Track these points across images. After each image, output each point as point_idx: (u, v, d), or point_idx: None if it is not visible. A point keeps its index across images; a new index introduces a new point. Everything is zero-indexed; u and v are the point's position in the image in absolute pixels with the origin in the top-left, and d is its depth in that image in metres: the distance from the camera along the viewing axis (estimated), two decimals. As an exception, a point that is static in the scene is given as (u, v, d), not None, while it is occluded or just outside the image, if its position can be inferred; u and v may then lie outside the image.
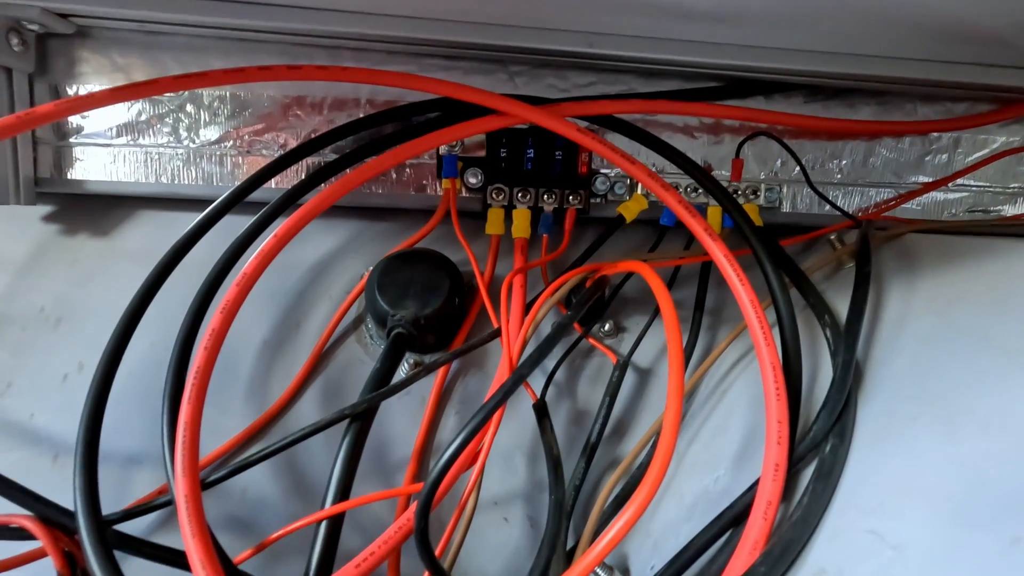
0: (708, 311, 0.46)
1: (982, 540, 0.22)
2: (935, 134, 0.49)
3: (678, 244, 0.47)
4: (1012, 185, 0.51)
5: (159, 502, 0.35)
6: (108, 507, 0.33)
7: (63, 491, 0.33)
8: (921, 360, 0.31)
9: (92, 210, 0.47)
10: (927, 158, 0.50)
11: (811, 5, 0.37)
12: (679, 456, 0.40)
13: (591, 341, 0.44)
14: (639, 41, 0.41)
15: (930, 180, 0.49)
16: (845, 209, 0.48)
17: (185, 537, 0.29)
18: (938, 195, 0.50)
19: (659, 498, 0.39)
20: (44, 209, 0.47)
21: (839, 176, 0.49)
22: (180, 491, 0.30)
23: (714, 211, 0.46)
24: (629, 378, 0.44)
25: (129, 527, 0.34)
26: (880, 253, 0.42)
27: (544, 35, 0.41)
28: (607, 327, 0.46)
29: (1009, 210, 0.51)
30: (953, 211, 0.51)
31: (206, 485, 0.35)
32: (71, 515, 0.31)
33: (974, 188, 0.50)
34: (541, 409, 0.40)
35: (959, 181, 0.50)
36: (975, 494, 0.24)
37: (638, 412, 0.44)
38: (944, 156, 0.50)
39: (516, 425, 0.42)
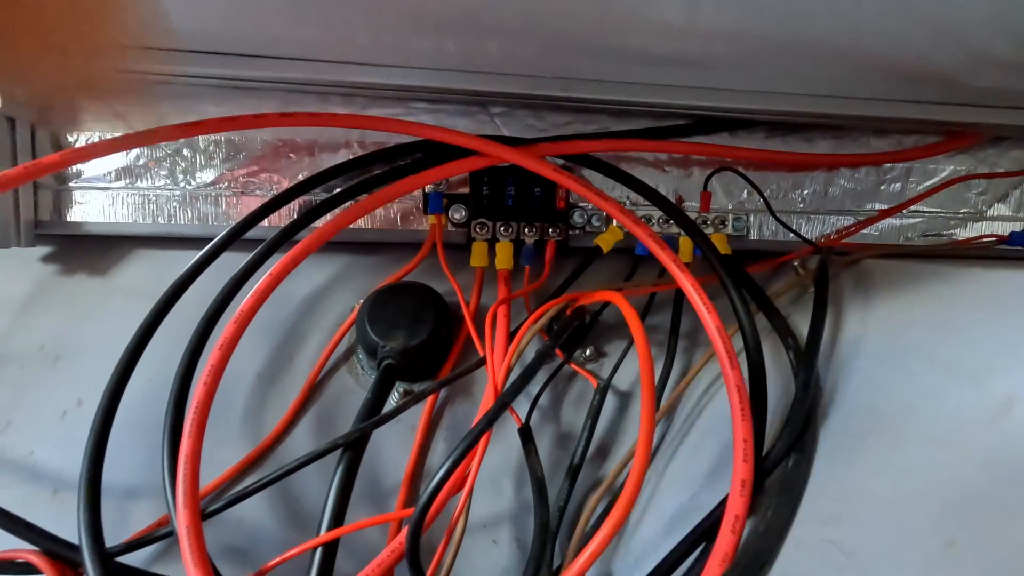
0: (683, 335, 0.48)
1: (923, 543, 0.24)
2: (888, 165, 0.52)
3: (653, 272, 0.50)
4: (962, 210, 0.54)
5: (159, 534, 0.36)
6: (108, 540, 0.34)
7: (64, 525, 0.34)
8: (874, 379, 0.34)
9: (90, 250, 0.48)
10: (882, 187, 0.53)
11: (767, 50, 0.41)
12: (659, 475, 0.42)
13: (573, 366, 0.47)
14: (611, 85, 0.44)
15: (886, 207, 0.53)
16: (808, 237, 0.51)
17: (187, 567, 0.30)
18: (895, 221, 0.53)
19: (640, 516, 0.41)
20: (43, 250, 0.48)
21: (802, 205, 0.52)
22: (182, 523, 0.31)
23: (685, 241, 0.49)
24: (610, 401, 0.46)
25: (129, 559, 0.35)
26: (839, 278, 0.45)
27: (523, 81, 0.44)
28: (588, 352, 0.48)
29: (961, 233, 0.54)
30: (909, 235, 0.54)
31: (205, 516, 0.36)
32: (74, 548, 0.32)
33: (927, 213, 0.54)
34: (526, 433, 0.41)
35: (913, 207, 0.53)
36: (919, 502, 0.26)
37: (619, 433, 0.46)
38: (898, 185, 0.53)
39: (502, 449, 0.44)
